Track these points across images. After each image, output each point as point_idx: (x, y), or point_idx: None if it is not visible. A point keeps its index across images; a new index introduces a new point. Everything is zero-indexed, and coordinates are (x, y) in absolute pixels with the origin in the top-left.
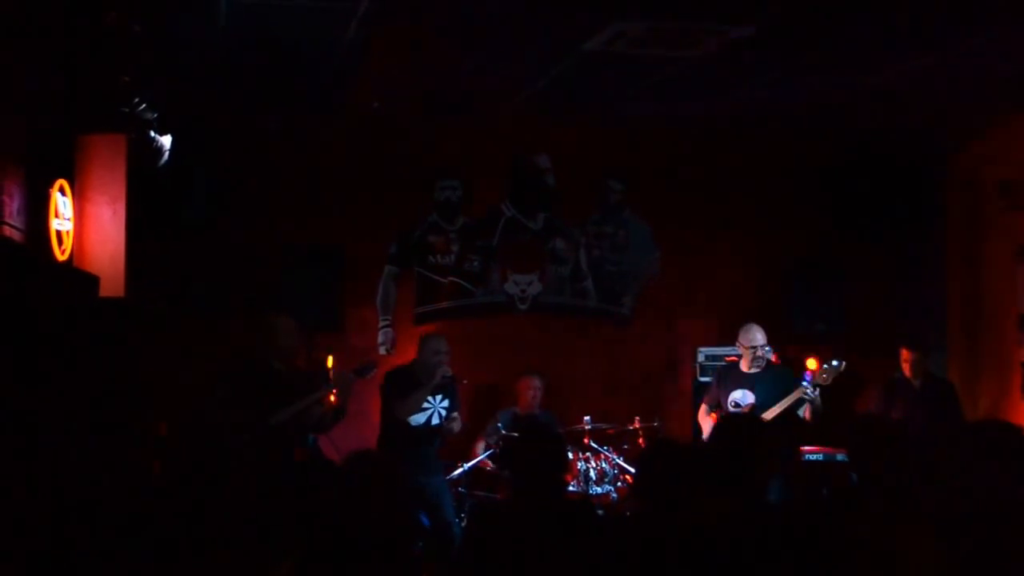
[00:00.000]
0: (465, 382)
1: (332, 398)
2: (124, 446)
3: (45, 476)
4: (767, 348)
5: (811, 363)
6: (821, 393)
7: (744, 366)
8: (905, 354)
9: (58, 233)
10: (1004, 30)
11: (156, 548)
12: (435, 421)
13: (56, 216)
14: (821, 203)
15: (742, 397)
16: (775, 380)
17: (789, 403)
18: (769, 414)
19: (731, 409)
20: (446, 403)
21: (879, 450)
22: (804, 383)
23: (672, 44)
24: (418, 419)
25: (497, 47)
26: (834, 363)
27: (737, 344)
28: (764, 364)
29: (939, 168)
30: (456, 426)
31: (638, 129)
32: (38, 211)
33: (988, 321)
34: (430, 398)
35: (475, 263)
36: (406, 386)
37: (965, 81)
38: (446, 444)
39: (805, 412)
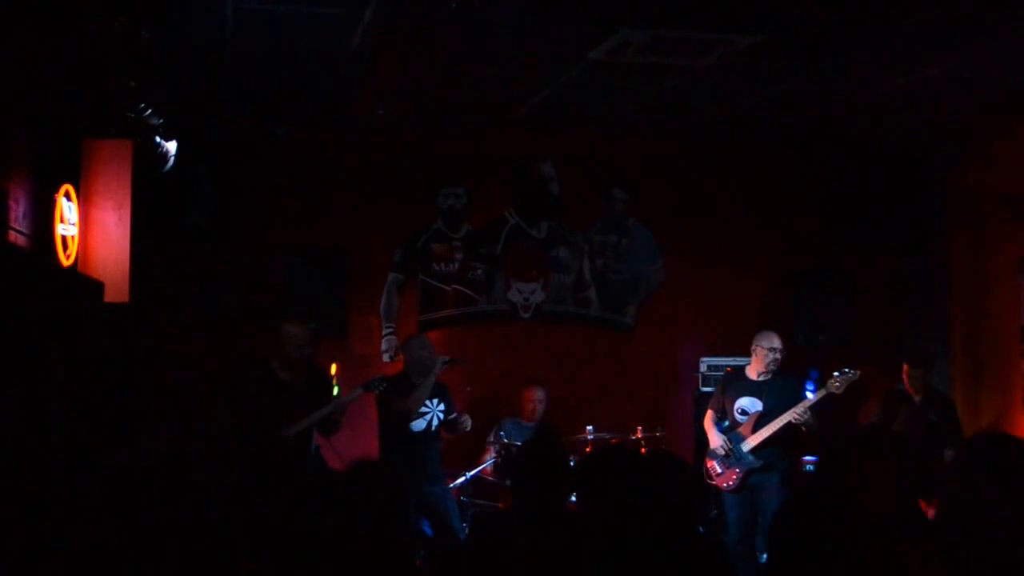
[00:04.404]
0: (469, 389)
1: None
2: (127, 451)
3: (47, 480)
4: (782, 353)
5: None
6: (829, 401)
7: (752, 373)
8: (907, 369)
9: (63, 238)
10: (1007, 41)
11: (157, 553)
12: (435, 425)
13: (61, 221)
14: (825, 214)
15: (749, 404)
16: (782, 388)
17: (789, 418)
18: (773, 425)
19: (737, 416)
20: (442, 407)
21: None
22: (796, 407)
23: (678, 53)
24: (419, 425)
25: (503, 55)
26: (847, 371)
27: (753, 347)
28: (774, 371)
29: (942, 179)
30: (465, 423)
31: (643, 138)
32: (44, 216)
33: (990, 333)
34: (427, 402)
35: (479, 271)
36: (404, 390)
37: (969, 92)
38: (454, 449)
39: (802, 426)
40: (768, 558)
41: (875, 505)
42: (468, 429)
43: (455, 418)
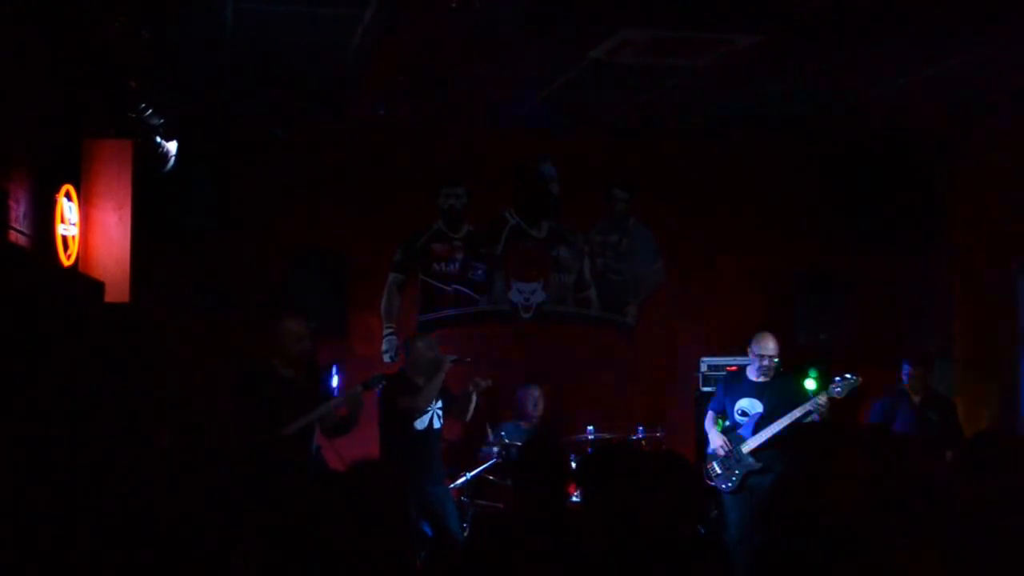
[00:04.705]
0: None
1: (338, 408)
2: (128, 452)
3: (49, 480)
4: (775, 359)
5: (809, 383)
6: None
7: (752, 374)
8: (907, 369)
9: (64, 238)
10: (1007, 41)
11: (158, 554)
12: (436, 424)
13: (62, 221)
14: (826, 214)
15: (749, 406)
16: (783, 389)
17: (797, 416)
18: (776, 426)
19: (738, 418)
20: (440, 403)
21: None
22: (816, 398)
23: (678, 53)
24: (421, 423)
25: (503, 55)
26: (848, 376)
27: (749, 351)
28: (772, 373)
29: (942, 180)
30: (483, 384)
31: (643, 138)
32: (44, 216)
33: (990, 333)
34: None
35: (479, 271)
36: (410, 389)
37: (969, 92)
38: (454, 449)
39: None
40: (759, 542)
41: (842, 495)
42: (484, 387)
43: (460, 395)
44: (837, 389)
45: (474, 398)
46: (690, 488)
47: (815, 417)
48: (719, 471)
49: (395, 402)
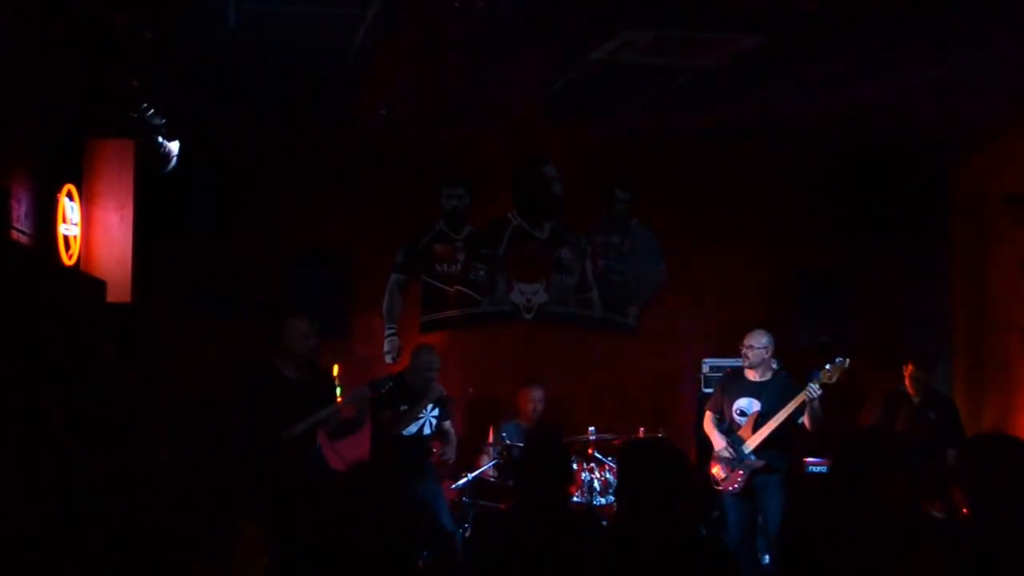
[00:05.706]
0: (471, 390)
1: (344, 409)
2: (130, 452)
3: (50, 481)
4: (760, 351)
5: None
6: (823, 401)
7: (750, 374)
8: (910, 369)
9: (65, 238)
10: (1009, 43)
11: (159, 554)
12: (427, 431)
13: (64, 221)
14: (827, 214)
15: (748, 405)
16: (781, 388)
17: (793, 408)
18: (773, 422)
19: (736, 417)
20: (436, 412)
21: (885, 463)
22: (810, 384)
23: (680, 54)
24: (410, 429)
25: (505, 55)
26: (838, 360)
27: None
28: (763, 369)
29: (942, 179)
30: (449, 453)
31: (645, 138)
32: (46, 216)
33: (992, 333)
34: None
35: (481, 272)
36: (399, 394)
37: (969, 93)
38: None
39: (804, 420)
40: (775, 566)
41: (889, 517)
42: (450, 459)
43: (446, 429)
44: (828, 374)
45: (452, 438)
46: (692, 488)
47: (812, 405)
48: (724, 475)
49: (379, 412)
